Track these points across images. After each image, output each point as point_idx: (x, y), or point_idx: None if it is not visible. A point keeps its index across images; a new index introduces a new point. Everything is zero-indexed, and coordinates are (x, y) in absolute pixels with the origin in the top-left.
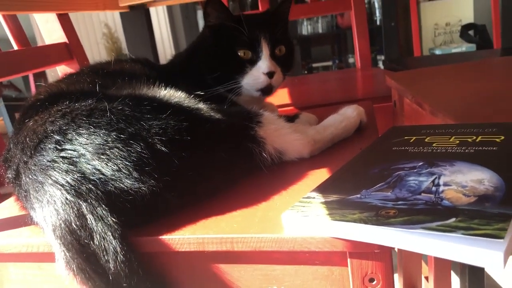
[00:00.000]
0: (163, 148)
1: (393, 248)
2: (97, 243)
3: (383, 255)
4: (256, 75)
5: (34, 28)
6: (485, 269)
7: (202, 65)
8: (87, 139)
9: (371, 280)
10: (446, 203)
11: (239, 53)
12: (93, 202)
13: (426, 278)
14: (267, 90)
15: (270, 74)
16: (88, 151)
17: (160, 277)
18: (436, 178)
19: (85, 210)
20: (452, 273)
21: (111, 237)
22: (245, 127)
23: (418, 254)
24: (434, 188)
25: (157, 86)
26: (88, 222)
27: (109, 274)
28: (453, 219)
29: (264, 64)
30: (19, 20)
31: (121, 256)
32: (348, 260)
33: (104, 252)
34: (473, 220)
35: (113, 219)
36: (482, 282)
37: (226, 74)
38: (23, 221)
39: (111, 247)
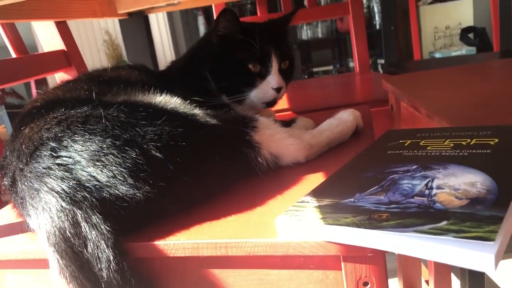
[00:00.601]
0: (158, 154)
1: (388, 252)
2: (91, 251)
3: (377, 259)
4: (265, 90)
5: (35, 36)
6: (486, 272)
7: (205, 72)
8: (83, 146)
9: (365, 283)
10: (438, 206)
11: (249, 66)
12: (88, 210)
13: (427, 281)
14: (272, 103)
15: (278, 89)
16: (83, 157)
17: (152, 285)
18: (429, 181)
19: (79, 217)
20: (453, 276)
21: (104, 245)
22: (241, 132)
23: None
24: (427, 191)
25: (154, 93)
26: (83, 230)
27: (102, 283)
28: (445, 222)
29: (273, 80)
30: (17, 28)
31: (114, 265)
32: (342, 264)
33: (98, 261)
34: (464, 222)
35: (107, 228)
36: (483, 285)
37: (234, 85)
38: (20, 228)
39: (104, 256)
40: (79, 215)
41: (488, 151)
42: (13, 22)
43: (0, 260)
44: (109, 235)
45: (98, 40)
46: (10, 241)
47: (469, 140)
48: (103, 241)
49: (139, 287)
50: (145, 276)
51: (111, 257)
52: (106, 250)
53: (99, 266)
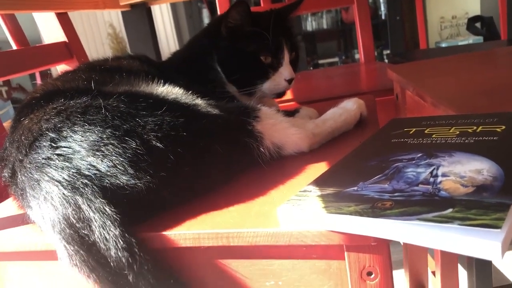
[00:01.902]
0: (158, 144)
1: (396, 243)
2: (97, 233)
3: (381, 248)
4: (278, 81)
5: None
6: (493, 263)
7: (212, 64)
8: (82, 136)
9: (369, 273)
10: (443, 194)
11: (261, 58)
12: (90, 196)
13: (433, 272)
14: (283, 93)
15: (290, 81)
16: (83, 147)
17: (162, 262)
18: (434, 169)
19: (82, 203)
20: (460, 267)
21: (110, 224)
22: (243, 122)
23: (424, 248)
24: (432, 179)
25: (155, 83)
26: (86, 214)
27: (111, 262)
28: (450, 210)
29: (286, 71)
30: (17, 20)
31: (122, 242)
32: (345, 253)
33: (105, 241)
34: (470, 210)
35: (111, 209)
36: (490, 275)
37: (246, 78)
38: (21, 219)
39: (111, 235)
40: (82, 201)
41: (494, 138)
42: (13, 14)
43: (2, 252)
44: (114, 216)
45: (102, 34)
46: (12, 233)
47: (475, 128)
48: (109, 221)
49: (149, 263)
50: (155, 252)
51: (119, 235)
52: (113, 228)
53: (107, 246)
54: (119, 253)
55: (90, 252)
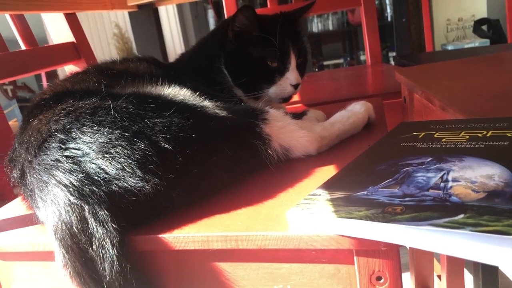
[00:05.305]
0: (167, 146)
1: (402, 246)
2: (96, 249)
3: (391, 253)
4: (284, 86)
5: (45, 29)
6: (499, 268)
7: (219, 66)
8: (91, 138)
9: (379, 278)
10: (454, 199)
11: (268, 62)
12: (95, 205)
13: (439, 276)
14: (289, 98)
15: (296, 86)
16: (92, 149)
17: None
18: (444, 174)
19: (87, 213)
20: (466, 271)
21: (109, 244)
22: (251, 124)
23: (430, 252)
24: (442, 184)
25: (163, 84)
26: (89, 226)
27: (104, 282)
28: (462, 216)
29: (292, 76)
30: (26, 20)
31: (117, 266)
32: (355, 258)
33: (102, 260)
34: (482, 216)
35: (113, 225)
36: (496, 280)
37: (253, 82)
38: (30, 220)
39: (108, 256)
40: (87, 210)
41: (505, 143)
42: (23, 14)
43: (9, 252)
44: (115, 234)
45: (108, 34)
46: (20, 233)
47: (485, 132)
48: (108, 240)
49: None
50: (148, 276)
51: (115, 258)
52: (111, 250)
53: (103, 266)
54: (113, 275)
55: (85, 266)
